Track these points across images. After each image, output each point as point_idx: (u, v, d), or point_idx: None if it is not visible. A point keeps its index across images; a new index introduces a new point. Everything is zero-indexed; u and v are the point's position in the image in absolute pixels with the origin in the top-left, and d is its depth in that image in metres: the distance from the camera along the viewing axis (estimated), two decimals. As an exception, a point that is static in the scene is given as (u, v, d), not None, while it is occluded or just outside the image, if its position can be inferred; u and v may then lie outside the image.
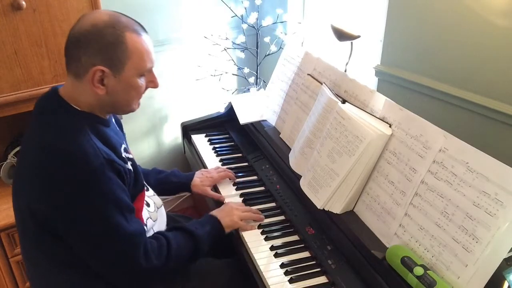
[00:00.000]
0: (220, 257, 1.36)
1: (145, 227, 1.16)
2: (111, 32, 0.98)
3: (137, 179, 1.14)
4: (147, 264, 1.06)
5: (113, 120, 1.23)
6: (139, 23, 1.06)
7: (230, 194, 1.48)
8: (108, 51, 0.98)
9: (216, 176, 1.51)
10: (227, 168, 1.61)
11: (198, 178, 1.49)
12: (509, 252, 0.88)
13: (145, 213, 1.19)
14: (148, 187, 1.32)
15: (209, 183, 1.49)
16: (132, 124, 2.23)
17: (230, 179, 1.53)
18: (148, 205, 1.24)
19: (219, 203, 1.44)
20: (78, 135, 0.99)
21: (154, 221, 1.23)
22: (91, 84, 1.01)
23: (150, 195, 1.29)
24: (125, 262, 1.05)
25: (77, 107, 1.05)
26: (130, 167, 1.11)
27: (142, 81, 1.07)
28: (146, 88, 1.11)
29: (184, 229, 1.20)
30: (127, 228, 1.02)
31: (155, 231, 1.23)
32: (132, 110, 1.12)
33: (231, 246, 1.33)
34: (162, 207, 1.33)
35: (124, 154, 1.10)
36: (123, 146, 1.13)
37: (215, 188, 1.52)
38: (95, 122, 1.06)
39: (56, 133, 1.00)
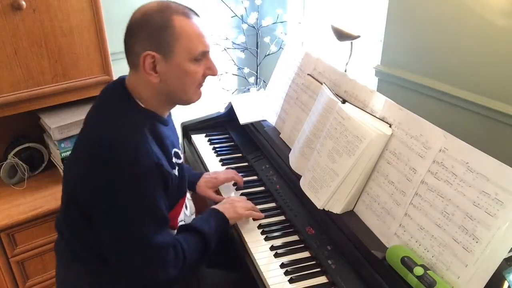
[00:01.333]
0: (227, 269, 1.35)
1: (175, 231, 1.16)
2: (158, 17, 0.98)
3: (180, 185, 1.13)
4: (163, 277, 1.04)
5: (172, 118, 1.23)
6: (190, 8, 1.05)
7: (230, 194, 1.48)
8: (156, 35, 0.98)
9: (221, 178, 1.48)
10: (227, 168, 1.61)
11: (204, 178, 1.48)
12: (509, 252, 0.88)
13: (181, 216, 1.19)
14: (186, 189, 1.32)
15: (212, 185, 1.47)
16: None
17: (236, 183, 1.50)
18: (186, 207, 1.23)
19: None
20: (136, 134, 1.00)
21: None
22: (144, 72, 1.01)
23: (189, 198, 1.29)
24: (143, 272, 1.04)
25: (140, 103, 1.05)
26: (177, 173, 1.09)
27: (196, 67, 1.04)
28: (205, 75, 1.08)
29: (192, 229, 1.17)
30: (155, 240, 1.01)
31: None
32: (192, 100, 1.10)
33: (235, 257, 1.32)
34: (194, 215, 1.32)
35: (174, 159, 1.09)
36: (175, 149, 1.12)
37: (216, 190, 1.52)
38: (155, 120, 1.06)
39: (116, 128, 1.01)
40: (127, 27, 1.02)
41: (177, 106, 2.08)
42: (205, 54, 1.06)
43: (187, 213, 1.23)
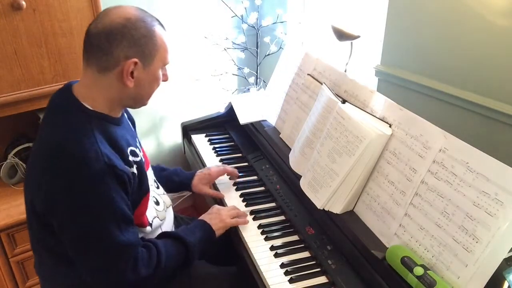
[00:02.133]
0: (219, 264, 1.35)
1: (149, 228, 1.15)
2: (143, 26, 1.01)
3: (141, 183, 1.12)
4: (134, 277, 1.04)
5: (126, 117, 1.22)
6: (157, 19, 1.09)
7: (230, 194, 1.48)
8: (141, 44, 1.01)
9: (214, 172, 1.48)
10: (227, 168, 1.61)
11: (197, 176, 1.48)
12: (509, 252, 0.88)
13: (151, 212, 1.18)
14: (159, 185, 1.32)
15: (207, 181, 1.48)
16: (132, 124, 2.23)
17: (228, 175, 1.51)
18: (157, 203, 1.23)
19: (220, 205, 1.44)
20: (83, 137, 0.99)
21: (161, 220, 1.23)
22: (122, 76, 1.02)
23: (160, 193, 1.28)
24: (112, 273, 1.03)
25: (88, 106, 1.04)
26: (135, 171, 1.09)
27: (161, 74, 1.09)
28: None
29: (174, 237, 1.17)
30: (118, 239, 1.00)
31: (162, 230, 1.23)
32: (146, 104, 1.14)
33: (231, 253, 1.32)
34: (171, 207, 1.32)
35: (130, 157, 1.08)
36: (130, 148, 1.11)
37: (213, 186, 1.52)
38: (104, 121, 1.06)
39: (62, 134, 1.00)
40: (103, 29, 0.99)
41: (177, 107, 2.09)
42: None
43: (159, 208, 1.22)
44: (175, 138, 2.42)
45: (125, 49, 1.00)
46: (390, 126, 1.13)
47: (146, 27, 1.01)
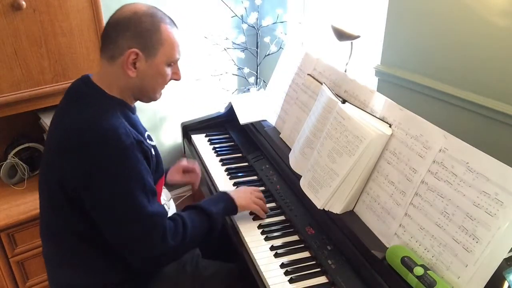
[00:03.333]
0: (218, 259, 1.36)
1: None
2: (149, 20, 1.07)
3: (158, 164, 1.20)
4: (163, 245, 1.08)
5: None
6: (172, 20, 1.15)
7: (226, 189, 1.47)
8: (144, 36, 1.06)
9: (184, 163, 1.52)
10: (227, 168, 1.61)
11: (170, 170, 1.51)
12: (509, 252, 0.88)
13: (162, 200, 1.23)
14: None
15: (177, 170, 1.51)
16: (132, 124, 2.23)
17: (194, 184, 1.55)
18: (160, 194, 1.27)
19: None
20: (111, 116, 1.05)
21: (168, 209, 1.28)
22: (124, 65, 1.07)
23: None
24: (143, 241, 1.07)
25: (109, 92, 1.11)
26: (153, 152, 1.16)
27: (169, 71, 1.14)
28: (170, 79, 1.17)
29: (198, 208, 1.21)
30: (148, 209, 1.05)
31: None
32: (155, 99, 1.19)
33: (231, 249, 1.33)
34: (172, 200, 1.35)
35: (148, 141, 1.15)
36: (147, 133, 1.20)
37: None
38: (124, 107, 1.13)
39: (91, 114, 1.05)
40: (114, 19, 1.08)
41: (177, 107, 2.09)
42: (176, 62, 1.17)
43: (165, 198, 1.28)
44: (175, 138, 2.42)
45: (128, 39, 1.06)
46: (390, 126, 1.13)
47: (152, 21, 1.07)
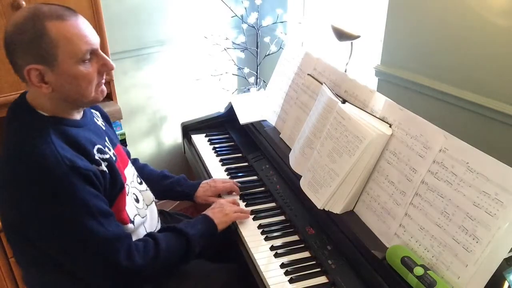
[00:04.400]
0: (216, 261, 1.35)
1: (131, 225, 1.14)
2: (31, 27, 0.93)
3: (114, 179, 1.09)
4: (131, 266, 1.03)
5: (98, 115, 1.21)
6: (67, 7, 0.99)
7: (230, 194, 1.48)
8: (34, 47, 0.93)
9: (220, 187, 1.46)
10: (227, 168, 1.61)
11: (202, 188, 1.46)
12: (509, 252, 0.88)
13: (132, 210, 1.16)
14: (142, 181, 1.30)
15: (211, 193, 1.45)
16: (132, 124, 2.23)
17: (234, 192, 1.48)
18: (137, 200, 1.20)
19: None
20: (39, 143, 0.96)
21: (142, 218, 1.20)
22: (33, 85, 0.97)
23: (142, 190, 1.26)
24: (105, 267, 1.03)
25: (41, 111, 1.02)
26: (105, 169, 1.05)
27: (87, 68, 0.99)
28: (100, 72, 1.04)
29: (174, 229, 1.18)
30: (102, 234, 0.99)
31: (146, 229, 1.22)
32: (95, 100, 1.05)
33: (228, 250, 1.32)
34: (153, 204, 1.30)
35: (97, 156, 1.05)
36: (97, 146, 1.07)
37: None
38: (61, 125, 1.02)
39: (19, 142, 0.98)
40: (4, 41, 0.96)
41: (177, 107, 2.06)
42: (93, 52, 1.01)
43: (138, 206, 1.20)
44: (175, 138, 2.42)
45: (22, 58, 0.95)
46: (390, 126, 1.13)
47: (34, 26, 0.93)
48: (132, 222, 1.15)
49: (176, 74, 2.25)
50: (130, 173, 1.23)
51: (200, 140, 1.81)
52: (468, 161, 0.93)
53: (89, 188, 0.99)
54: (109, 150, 1.13)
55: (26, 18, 0.94)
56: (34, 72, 0.95)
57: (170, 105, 2.31)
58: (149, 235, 1.15)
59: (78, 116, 1.09)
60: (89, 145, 1.05)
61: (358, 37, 1.57)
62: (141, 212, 1.21)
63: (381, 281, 1.02)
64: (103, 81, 1.06)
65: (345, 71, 1.55)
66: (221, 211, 1.28)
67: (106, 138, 1.17)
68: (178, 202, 2.49)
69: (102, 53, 1.03)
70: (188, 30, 2.20)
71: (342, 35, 1.58)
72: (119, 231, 1.05)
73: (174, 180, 1.48)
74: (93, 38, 1.00)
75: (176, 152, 2.45)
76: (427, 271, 0.93)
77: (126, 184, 1.16)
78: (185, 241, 1.16)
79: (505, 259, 0.93)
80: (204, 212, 1.29)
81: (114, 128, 1.34)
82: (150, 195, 1.29)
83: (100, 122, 1.21)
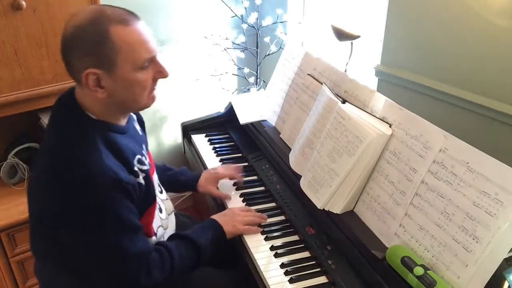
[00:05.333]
0: (220, 267, 1.34)
1: (154, 238, 1.14)
2: (94, 30, 0.91)
3: (148, 193, 1.09)
4: (148, 281, 1.03)
5: (136, 119, 1.21)
6: (129, 11, 0.98)
7: (230, 194, 1.48)
8: (93, 51, 0.92)
9: (221, 172, 1.46)
10: (227, 168, 1.61)
11: (203, 176, 1.47)
12: (509, 252, 0.88)
13: (156, 222, 1.16)
14: (162, 189, 1.29)
15: (213, 180, 1.45)
16: (132, 124, 2.23)
17: (235, 178, 1.48)
18: (160, 210, 1.20)
19: (220, 205, 1.43)
20: (86, 148, 0.96)
21: (165, 229, 1.21)
22: (88, 89, 0.96)
23: (163, 199, 1.26)
24: (126, 281, 1.03)
25: (91, 114, 1.01)
26: (142, 181, 1.06)
27: (144, 75, 0.98)
28: (155, 79, 1.03)
29: (186, 238, 1.16)
30: (130, 250, 1.00)
31: (165, 238, 1.21)
32: (146, 106, 1.05)
33: (232, 256, 1.31)
34: (173, 214, 1.31)
35: (136, 167, 1.05)
36: (137, 156, 1.07)
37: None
38: (108, 131, 1.02)
39: (64, 142, 0.98)
40: (62, 41, 0.96)
41: (177, 107, 2.06)
42: (152, 60, 1.00)
43: (162, 216, 1.20)
44: (175, 138, 2.42)
45: (81, 60, 0.94)
46: (390, 126, 1.13)
47: (97, 31, 0.91)
48: (155, 234, 1.15)
49: (176, 74, 2.25)
50: (155, 181, 1.22)
51: (200, 140, 1.81)
52: (468, 161, 0.93)
53: (127, 203, 0.99)
54: (146, 159, 1.12)
55: (89, 20, 0.92)
56: (92, 76, 0.94)
57: (170, 105, 2.31)
58: (162, 245, 1.12)
59: (123, 122, 1.08)
60: (131, 155, 1.05)
61: (358, 37, 1.57)
62: (164, 223, 1.21)
63: (381, 281, 1.02)
64: (156, 87, 1.05)
65: (345, 71, 1.55)
66: (231, 221, 1.25)
67: (143, 145, 1.17)
68: (178, 202, 2.49)
69: (159, 60, 1.02)
70: (188, 30, 2.20)
71: (342, 35, 1.58)
72: (145, 248, 1.05)
73: (177, 171, 1.48)
74: (153, 45, 0.99)
75: (176, 152, 2.45)
76: (427, 271, 0.93)
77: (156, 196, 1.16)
78: (197, 251, 1.15)
79: (505, 259, 0.93)
80: (214, 217, 1.26)
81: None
82: (170, 204, 1.29)
83: (137, 127, 1.21)
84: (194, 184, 1.46)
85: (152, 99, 1.05)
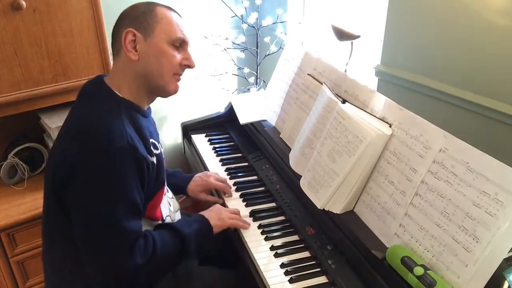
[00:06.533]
0: (222, 267, 1.35)
1: (161, 222, 1.18)
2: (144, 5, 1.10)
3: (159, 175, 1.15)
4: (130, 262, 1.03)
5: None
6: (172, 8, 1.15)
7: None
8: (140, 18, 1.08)
9: (212, 183, 1.47)
10: (227, 168, 1.61)
11: (194, 182, 1.47)
12: (509, 252, 0.88)
13: (165, 210, 1.20)
14: (168, 189, 1.32)
15: (202, 188, 1.46)
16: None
17: (227, 194, 1.48)
18: (169, 204, 1.25)
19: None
20: (111, 117, 1.04)
21: (172, 221, 1.24)
22: (125, 51, 1.07)
23: (170, 197, 1.29)
24: (108, 255, 1.03)
25: (118, 93, 1.10)
26: (155, 161, 1.12)
27: (174, 52, 1.11)
28: (183, 66, 1.14)
29: (170, 227, 1.17)
30: (123, 223, 1.02)
31: None
32: (168, 87, 1.14)
33: (234, 255, 1.32)
34: (179, 211, 1.33)
35: (152, 148, 1.12)
36: (152, 140, 1.15)
37: (215, 189, 1.51)
38: (132, 109, 1.10)
39: (93, 115, 1.05)
40: (118, 18, 1.12)
41: (177, 107, 2.05)
42: (182, 44, 1.14)
43: (171, 209, 1.25)
44: (175, 138, 2.42)
45: (126, 25, 1.08)
46: (390, 126, 1.13)
47: (147, 5, 1.10)
48: (163, 220, 1.19)
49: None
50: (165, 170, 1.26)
51: (200, 140, 1.81)
52: (468, 161, 0.93)
53: (136, 177, 1.04)
54: (160, 148, 1.20)
55: (142, 2, 1.13)
56: (131, 36, 1.07)
57: (170, 105, 2.31)
58: (147, 231, 1.14)
59: (146, 106, 1.17)
60: (148, 136, 1.13)
61: (358, 37, 1.57)
62: (172, 215, 1.25)
63: (381, 281, 1.02)
64: (181, 76, 1.16)
65: (345, 71, 1.55)
66: (217, 214, 1.28)
67: (158, 135, 1.24)
68: (178, 202, 2.49)
69: (189, 51, 1.16)
70: (188, 30, 2.20)
71: (342, 35, 1.58)
72: (137, 229, 1.07)
73: (169, 173, 1.49)
74: (188, 34, 1.15)
75: (176, 152, 2.45)
76: (427, 271, 0.93)
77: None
78: (180, 240, 1.15)
79: (505, 259, 0.93)
80: (200, 213, 1.29)
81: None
82: (176, 203, 1.33)
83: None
84: (185, 188, 1.48)
85: (175, 85, 1.16)
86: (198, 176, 1.49)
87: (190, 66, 1.15)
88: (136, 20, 1.08)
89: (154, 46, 1.08)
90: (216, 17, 2.23)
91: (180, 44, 1.13)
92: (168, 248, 1.13)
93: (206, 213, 1.28)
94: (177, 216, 1.31)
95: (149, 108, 1.20)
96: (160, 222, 1.18)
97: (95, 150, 0.99)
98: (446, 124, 1.08)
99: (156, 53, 1.09)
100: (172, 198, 1.32)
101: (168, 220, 1.21)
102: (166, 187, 1.27)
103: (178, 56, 1.12)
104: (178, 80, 1.16)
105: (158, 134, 1.24)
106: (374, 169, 1.15)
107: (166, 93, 1.16)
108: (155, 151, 1.14)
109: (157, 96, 1.19)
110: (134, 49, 1.08)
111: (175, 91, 1.16)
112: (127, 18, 1.09)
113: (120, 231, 1.02)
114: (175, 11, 1.14)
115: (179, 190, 1.50)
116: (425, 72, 1.50)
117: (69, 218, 1.05)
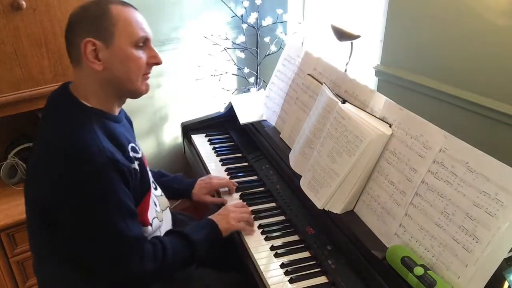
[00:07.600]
0: (224, 269, 1.34)
1: (150, 228, 1.15)
2: (94, 7, 1.01)
3: (143, 180, 1.12)
4: (141, 270, 1.04)
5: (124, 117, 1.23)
6: (125, 1, 1.06)
7: (229, 195, 1.48)
8: (93, 23, 1.00)
9: (216, 183, 1.47)
10: (227, 168, 1.61)
11: (198, 185, 1.47)
12: (509, 252, 0.88)
13: (152, 213, 1.18)
14: (157, 186, 1.31)
15: (207, 191, 1.46)
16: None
17: (230, 191, 1.48)
18: (155, 204, 1.23)
19: (220, 206, 1.43)
20: (83, 132, 0.99)
21: (160, 222, 1.22)
22: (87, 61, 1.00)
23: (158, 195, 1.27)
24: (119, 266, 1.04)
25: (86, 103, 1.05)
26: (137, 167, 1.09)
27: (139, 53, 1.04)
28: (150, 65, 1.08)
29: (180, 234, 1.18)
30: (125, 233, 1.01)
31: (161, 232, 1.22)
32: (139, 90, 1.08)
33: (236, 258, 1.31)
34: (168, 209, 1.32)
35: (131, 154, 1.09)
36: (131, 144, 1.11)
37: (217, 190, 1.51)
38: (103, 118, 1.05)
39: (61, 130, 1.00)
40: (67, 23, 1.03)
41: (177, 107, 2.05)
42: (146, 42, 1.07)
43: (157, 209, 1.22)
44: (175, 138, 2.42)
45: (82, 33, 1.00)
46: (390, 126, 1.13)
47: (99, 8, 1.00)
48: (151, 225, 1.16)
49: (176, 74, 2.25)
50: (150, 177, 1.24)
51: (200, 140, 1.81)
52: (468, 161, 0.93)
53: (122, 185, 1.01)
54: (138, 148, 1.16)
55: (92, 1, 1.03)
56: (91, 46, 0.99)
57: (170, 105, 2.31)
58: (157, 238, 1.14)
59: (117, 111, 1.12)
60: (125, 141, 1.08)
61: (358, 37, 1.57)
62: (159, 215, 1.22)
63: (381, 281, 1.02)
64: (149, 75, 1.10)
65: (345, 71, 1.55)
66: (225, 218, 1.26)
67: (134, 137, 1.20)
68: (178, 202, 2.49)
69: (153, 46, 1.08)
70: (188, 30, 2.20)
71: (342, 35, 1.58)
72: (140, 234, 1.06)
73: (171, 178, 1.49)
74: (148, 30, 1.07)
75: (176, 152, 2.45)
76: (427, 271, 0.93)
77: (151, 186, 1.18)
78: (191, 247, 1.15)
79: (505, 259, 0.93)
80: (210, 216, 1.28)
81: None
82: (165, 200, 1.31)
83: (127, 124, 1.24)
84: (189, 192, 1.47)
85: (146, 86, 1.10)
86: (201, 180, 1.49)
87: (157, 63, 1.09)
88: (91, 26, 0.99)
89: (117, 51, 1.01)
90: (216, 17, 2.23)
91: (143, 42, 1.06)
92: (179, 254, 1.14)
93: (215, 217, 1.27)
94: (166, 215, 1.28)
95: (121, 111, 1.16)
96: (148, 227, 1.16)
97: (79, 173, 0.96)
98: (446, 124, 1.08)
99: (121, 59, 1.02)
100: (161, 196, 1.29)
101: (155, 222, 1.19)
102: (152, 185, 1.25)
103: (144, 56, 1.06)
104: (147, 78, 1.10)
105: (134, 136, 1.21)
106: (374, 169, 1.15)
107: (137, 95, 1.11)
108: (135, 155, 1.11)
109: (128, 98, 1.14)
110: (97, 59, 1.01)
111: (147, 91, 1.11)
112: (80, 25, 1.01)
113: (126, 239, 1.02)
114: (130, 5, 1.05)
115: (182, 196, 1.49)
116: (425, 72, 1.50)
117: (58, 238, 1.03)
